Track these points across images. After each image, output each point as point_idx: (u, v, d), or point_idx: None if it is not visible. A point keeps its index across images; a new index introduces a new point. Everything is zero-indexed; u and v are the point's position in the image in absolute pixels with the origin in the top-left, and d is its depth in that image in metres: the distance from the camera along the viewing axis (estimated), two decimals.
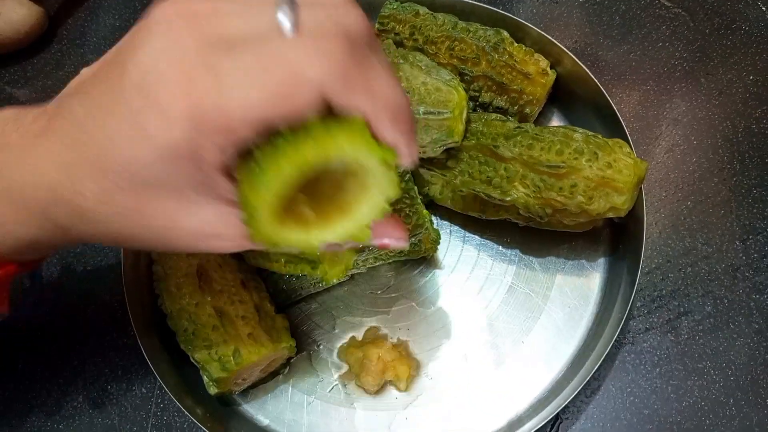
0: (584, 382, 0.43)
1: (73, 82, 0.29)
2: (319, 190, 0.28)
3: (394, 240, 0.32)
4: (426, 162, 0.50)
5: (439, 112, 0.45)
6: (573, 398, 0.46)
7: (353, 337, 0.49)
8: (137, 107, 0.24)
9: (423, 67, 0.46)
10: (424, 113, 0.45)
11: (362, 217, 0.28)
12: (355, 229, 0.28)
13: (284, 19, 0.24)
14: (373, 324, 0.50)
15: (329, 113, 0.25)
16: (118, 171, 0.26)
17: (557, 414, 0.47)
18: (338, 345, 0.49)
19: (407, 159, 0.27)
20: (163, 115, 0.24)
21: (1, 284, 0.33)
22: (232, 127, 0.24)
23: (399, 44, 0.51)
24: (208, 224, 0.27)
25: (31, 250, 0.31)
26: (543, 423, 0.42)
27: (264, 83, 0.23)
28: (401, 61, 0.46)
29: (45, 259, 0.36)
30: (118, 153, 0.25)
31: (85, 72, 0.29)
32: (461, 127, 0.47)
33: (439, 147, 0.47)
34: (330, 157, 0.24)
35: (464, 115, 0.47)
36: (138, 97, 0.24)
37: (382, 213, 0.28)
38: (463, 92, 0.46)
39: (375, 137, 0.26)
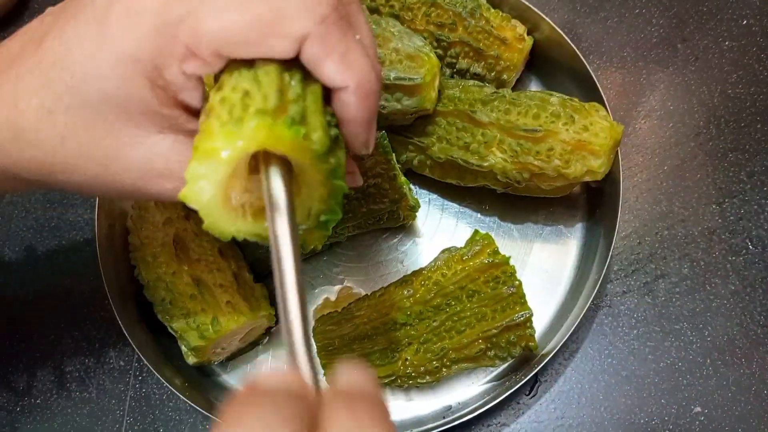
0: (561, 343, 0.43)
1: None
2: None
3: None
4: (403, 129, 0.49)
5: (410, 78, 0.44)
6: (551, 360, 0.47)
7: (327, 299, 0.49)
8: (103, 6, 0.23)
9: (396, 33, 0.46)
10: (395, 79, 0.44)
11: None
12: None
13: None
14: (348, 285, 0.50)
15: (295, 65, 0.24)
16: (66, 81, 0.24)
17: (536, 376, 0.47)
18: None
19: (363, 146, 0.27)
20: (130, 17, 0.23)
21: None
22: (199, 47, 0.23)
23: (375, 11, 0.51)
24: (157, 158, 0.26)
25: None
26: (521, 384, 0.43)
27: (244, 12, 0.22)
28: (374, 26, 0.46)
29: None
30: (71, 59, 0.24)
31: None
32: (433, 95, 0.46)
33: (411, 114, 0.47)
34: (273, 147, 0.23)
35: (436, 82, 0.46)
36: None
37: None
38: (435, 59, 0.45)
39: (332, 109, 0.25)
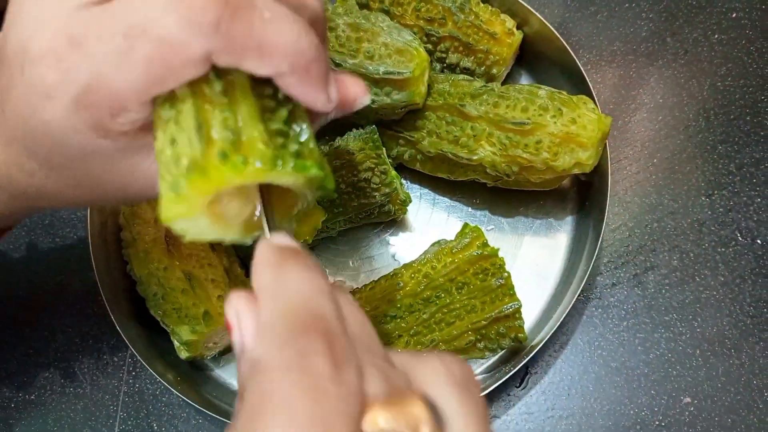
0: (550, 334, 0.43)
1: None
2: None
3: (360, 102, 0.28)
4: (393, 124, 0.50)
5: (399, 73, 0.44)
6: (542, 352, 0.47)
7: None
8: (26, 85, 0.23)
9: (385, 28, 0.46)
10: (385, 73, 0.44)
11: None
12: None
13: None
14: (340, 279, 0.50)
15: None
16: (42, 149, 0.25)
17: (526, 368, 0.48)
18: None
19: (325, 106, 0.24)
20: (44, 103, 0.22)
21: None
22: (121, 106, 0.22)
23: (365, 6, 0.51)
24: (149, 172, 0.26)
25: None
26: (511, 375, 0.43)
27: (137, 60, 0.21)
28: (363, 21, 0.46)
29: (10, 230, 0.36)
30: (30, 135, 0.24)
31: None
32: (423, 89, 0.46)
33: (401, 109, 0.47)
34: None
35: (426, 77, 0.46)
36: (21, 76, 0.23)
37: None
38: (424, 53, 0.46)
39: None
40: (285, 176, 0.22)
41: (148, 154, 0.25)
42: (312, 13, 0.24)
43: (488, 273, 0.43)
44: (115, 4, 0.21)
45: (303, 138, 0.23)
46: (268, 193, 0.25)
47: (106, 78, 0.21)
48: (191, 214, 0.22)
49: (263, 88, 0.23)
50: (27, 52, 0.22)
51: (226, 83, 0.22)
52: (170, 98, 0.23)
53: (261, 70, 0.22)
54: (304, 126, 0.24)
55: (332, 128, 0.43)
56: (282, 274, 0.21)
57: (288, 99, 0.24)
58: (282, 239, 0.22)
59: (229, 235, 0.25)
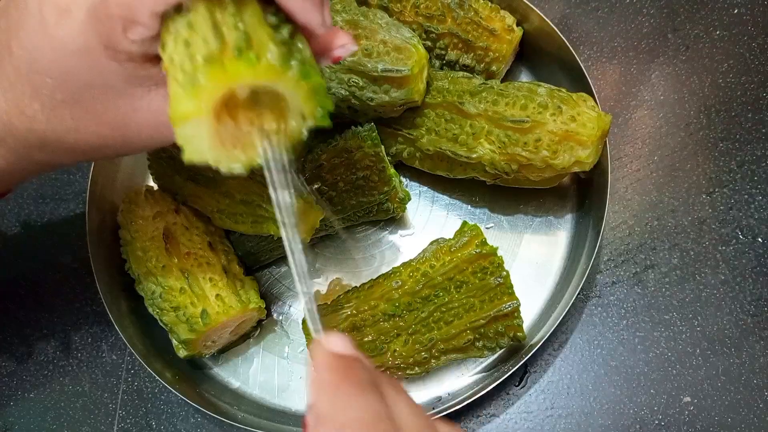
0: (549, 333, 0.43)
1: None
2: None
3: (346, 49, 0.29)
4: (392, 122, 0.49)
5: (397, 70, 0.44)
6: (541, 351, 0.47)
7: (317, 291, 0.49)
8: (38, 11, 0.24)
9: (383, 25, 0.46)
10: (383, 70, 0.44)
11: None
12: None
13: None
14: (338, 277, 0.50)
15: None
16: (48, 83, 0.25)
17: (525, 367, 0.48)
18: None
19: (320, 27, 0.26)
20: (62, 16, 0.23)
21: None
22: (133, 16, 0.23)
23: (363, 2, 0.51)
24: (158, 112, 0.27)
25: None
26: (510, 374, 0.43)
27: None
28: (361, 18, 0.46)
29: (10, 192, 0.37)
30: (41, 65, 0.25)
31: None
32: (421, 86, 0.46)
33: (399, 106, 0.47)
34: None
35: (424, 74, 0.46)
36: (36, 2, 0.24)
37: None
38: (423, 50, 0.45)
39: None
40: (291, 81, 0.24)
41: (149, 89, 0.27)
42: None
43: (487, 272, 0.43)
44: None
45: (306, 54, 0.25)
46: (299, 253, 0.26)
47: None
48: (200, 113, 0.23)
49: (266, 6, 0.25)
50: None
51: None
52: (179, 9, 0.24)
53: None
54: (305, 45, 0.25)
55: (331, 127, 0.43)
56: (340, 400, 0.22)
57: (288, 20, 0.25)
58: (336, 344, 0.24)
59: (225, 162, 0.26)
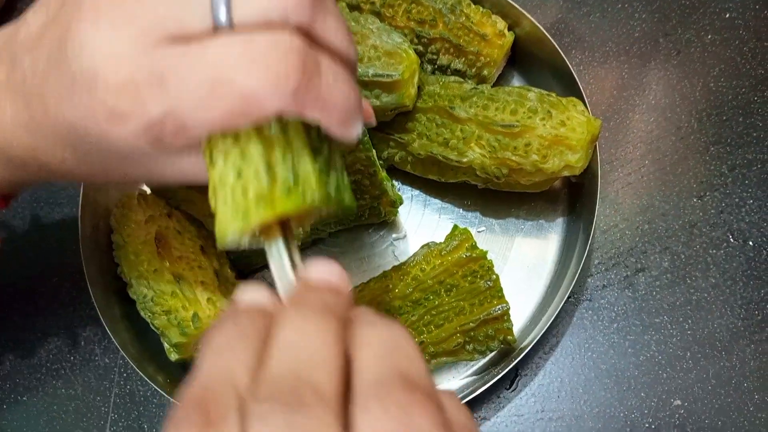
0: (539, 336, 0.43)
1: (22, 32, 0.28)
2: None
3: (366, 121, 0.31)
4: (384, 126, 0.50)
5: (388, 75, 0.44)
6: (531, 354, 0.47)
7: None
8: (91, 105, 0.24)
9: (374, 30, 0.46)
10: (374, 75, 0.44)
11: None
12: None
13: (221, 12, 0.22)
14: None
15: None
16: (83, 150, 0.26)
17: (516, 370, 0.48)
18: None
19: (354, 140, 0.27)
20: (115, 117, 0.24)
21: None
22: (184, 136, 0.24)
23: (356, 7, 0.51)
24: (189, 171, 0.28)
25: (7, 186, 0.33)
26: (500, 377, 0.43)
27: (218, 103, 0.23)
28: (352, 23, 0.46)
29: (18, 195, 0.38)
30: (80, 139, 0.26)
31: (31, 20, 0.28)
32: (412, 91, 0.46)
33: (391, 111, 0.47)
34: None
35: (415, 79, 0.46)
36: (86, 94, 0.24)
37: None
38: (414, 55, 0.46)
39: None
40: (328, 207, 0.26)
41: (183, 156, 0.27)
42: (352, 65, 0.27)
43: (477, 275, 0.43)
44: (194, 49, 0.22)
45: (342, 176, 0.27)
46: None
47: (182, 114, 0.23)
48: (244, 234, 0.25)
49: (309, 127, 0.26)
50: (100, 77, 0.23)
51: (282, 124, 0.25)
52: (232, 132, 0.25)
53: (316, 120, 0.25)
54: (340, 161, 0.28)
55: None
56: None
57: (326, 135, 0.27)
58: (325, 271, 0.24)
59: (249, 242, 0.27)
